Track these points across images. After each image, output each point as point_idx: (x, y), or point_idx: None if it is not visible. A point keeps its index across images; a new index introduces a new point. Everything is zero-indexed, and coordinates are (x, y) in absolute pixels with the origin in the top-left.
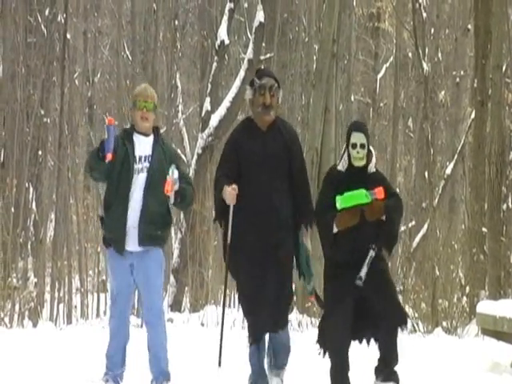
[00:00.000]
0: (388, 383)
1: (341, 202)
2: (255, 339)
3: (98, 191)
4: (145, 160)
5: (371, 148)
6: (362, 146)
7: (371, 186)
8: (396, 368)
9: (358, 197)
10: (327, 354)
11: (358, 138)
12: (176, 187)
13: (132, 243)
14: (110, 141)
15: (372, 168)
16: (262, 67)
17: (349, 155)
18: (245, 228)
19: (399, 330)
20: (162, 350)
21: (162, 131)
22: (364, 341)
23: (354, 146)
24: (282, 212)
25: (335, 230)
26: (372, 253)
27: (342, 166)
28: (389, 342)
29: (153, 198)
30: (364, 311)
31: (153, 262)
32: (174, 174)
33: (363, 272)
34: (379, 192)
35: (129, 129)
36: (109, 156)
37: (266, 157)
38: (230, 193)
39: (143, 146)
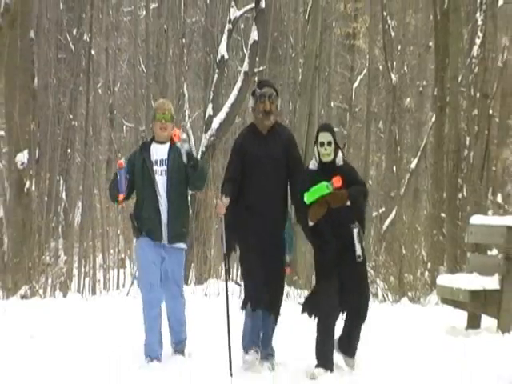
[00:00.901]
0: (346, 356)
1: (307, 197)
2: (253, 305)
3: None
4: (161, 164)
5: (338, 145)
6: (329, 143)
7: (344, 180)
8: (356, 347)
9: (320, 189)
10: (316, 320)
11: (324, 136)
12: (186, 146)
13: (164, 238)
14: (121, 182)
15: (340, 161)
16: (263, 79)
17: (318, 153)
18: (248, 216)
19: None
20: (181, 312)
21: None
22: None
23: (322, 144)
24: (278, 203)
25: (311, 223)
26: (355, 230)
27: (313, 165)
28: (353, 332)
29: (175, 198)
30: (344, 293)
31: (179, 260)
32: (182, 134)
33: (358, 250)
34: (336, 181)
35: (148, 141)
36: (120, 197)
37: (267, 156)
38: (219, 206)
39: (159, 151)
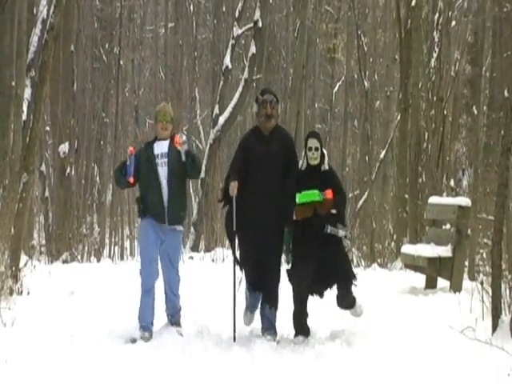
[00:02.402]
0: (347, 309)
1: (299, 198)
2: (252, 288)
3: None
4: (162, 156)
5: (324, 151)
6: (316, 148)
7: (325, 184)
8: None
9: (311, 196)
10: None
11: (312, 142)
12: (185, 147)
13: (165, 221)
14: (131, 166)
15: (325, 166)
16: (265, 87)
17: (306, 157)
18: (248, 209)
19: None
20: (176, 289)
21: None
22: (319, 295)
23: (310, 149)
24: (277, 195)
25: (295, 217)
26: (327, 227)
27: (300, 165)
28: (346, 296)
29: (175, 186)
30: (321, 273)
31: (177, 242)
32: (182, 136)
33: (328, 228)
34: (328, 193)
35: (151, 141)
36: (131, 179)
37: (268, 154)
38: (232, 186)
39: (161, 146)
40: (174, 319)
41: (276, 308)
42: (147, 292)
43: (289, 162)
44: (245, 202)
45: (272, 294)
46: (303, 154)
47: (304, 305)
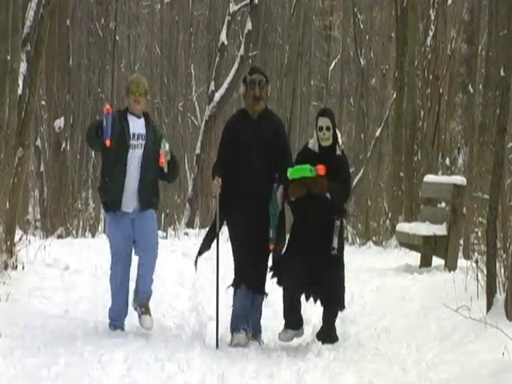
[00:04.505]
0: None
1: (290, 172)
2: (238, 283)
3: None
4: (139, 138)
5: (337, 132)
6: (328, 128)
7: (332, 174)
8: (333, 336)
9: (302, 170)
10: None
11: (323, 121)
12: (168, 157)
13: (131, 207)
14: (107, 128)
15: (338, 150)
16: (253, 65)
17: (318, 137)
18: (237, 198)
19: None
20: (149, 274)
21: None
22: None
23: (321, 128)
24: (265, 183)
25: (291, 198)
26: (337, 223)
27: (312, 146)
28: (327, 323)
29: (148, 171)
30: (314, 275)
31: (150, 219)
32: (165, 146)
33: (335, 242)
34: (320, 169)
35: (123, 111)
36: (107, 142)
37: (256, 139)
38: (215, 185)
39: (137, 125)
40: (142, 301)
41: (261, 300)
42: (120, 287)
43: (279, 148)
44: (232, 190)
45: (260, 281)
46: (315, 133)
47: (294, 302)
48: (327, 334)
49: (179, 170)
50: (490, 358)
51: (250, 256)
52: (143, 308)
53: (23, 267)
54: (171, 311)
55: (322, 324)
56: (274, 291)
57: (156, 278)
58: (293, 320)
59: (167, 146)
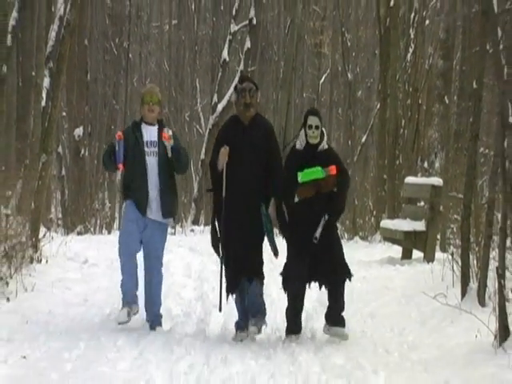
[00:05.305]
0: (336, 327)
1: (301, 176)
2: (232, 288)
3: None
4: (151, 145)
5: (324, 130)
6: (316, 127)
7: (325, 164)
8: (343, 314)
9: (315, 173)
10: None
11: (312, 120)
12: (172, 142)
13: (155, 214)
14: (120, 153)
15: (324, 145)
16: (244, 74)
17: (306, 134)
18: (230, 201)
19: (344, 282)
20: (157, 295)
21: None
22: (317, 284)
23: (310, 127)
24: (258, 189)
25: (296, 199)
26: (324, 218)
27: (300, 145)
28: (336, 294)
29: (165, 177)
30: (317, 264)
31: (161, 232)
32: (168, 131)
33: (318, 233)
34: (332, 169)
35: (138, 121)
36: (120, 166)
37: (248, 144)
38: (222, 153)
39: (149, 133)
40: (154, 324)
41: (261, 282)
42: (128, 260)
43: (270, 152)
44: (226, 194)
45: (258, 268)
46: (302, 131)
47: (298, 302)
48: (338, 315)
49: (188, 160)
50: (464, 340)
51: (244, 251)
52: (152, 322)
53: (47, 261)
54: (179, 300)
55: (329, 305)
56: (270, 282)
57: (165, 270)
58: (296, 324)
59: (170, 131)
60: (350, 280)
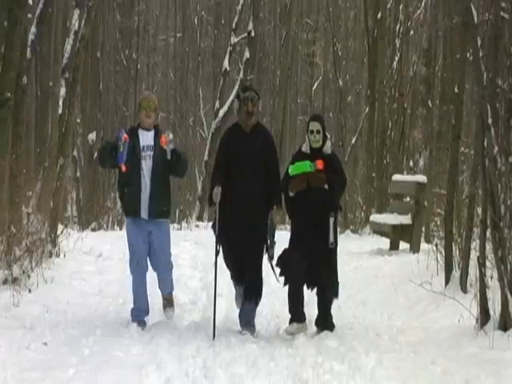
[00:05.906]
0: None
1: (291, 169)
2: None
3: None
4: (147, 149)
5: (327, 134)
6: (318, 131)
7: (325, 170)
8: (331, 323)
9: (303, 166)
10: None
11: (314, 125)
12: (171, 146)
13: (147, 213)
14: (123, 153)
15: (327, 150)
16: (246, 84)
17: (309, 140)
18: (231, 206)
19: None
20: (168, 280)
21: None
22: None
23: (312, 132)
24: (258, 194)
25: (291, 194)
26: (332, 220)
27: (305, 149)
28: (324, 310)
29: (159, 180)
30: (312, 266)
31: (164, 230)
32: (169, 135)
33: (331, 237)
34: (318, 163)
35: (135, 127)
36: (123, 167)
37: (250, 151)
38: (216, 193)
39: (146, 138)
40: (169, 303)
41: (256, 303)
42: (139, 287)
43: (270, 159)
44: (228, 200)
45: (254, 288)
46: (306, 137)
47: (299, 292)
48: (325, 321)
49: (187, 163)
50: (448, 323)
51: (244, 261)
52: (165, 300)
53: (64, 255)
54: (186, 289)
55: (318, 312)
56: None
57: (173, 262)
58: (297, 313)
59: (171, 135)
60: (336, 298)
